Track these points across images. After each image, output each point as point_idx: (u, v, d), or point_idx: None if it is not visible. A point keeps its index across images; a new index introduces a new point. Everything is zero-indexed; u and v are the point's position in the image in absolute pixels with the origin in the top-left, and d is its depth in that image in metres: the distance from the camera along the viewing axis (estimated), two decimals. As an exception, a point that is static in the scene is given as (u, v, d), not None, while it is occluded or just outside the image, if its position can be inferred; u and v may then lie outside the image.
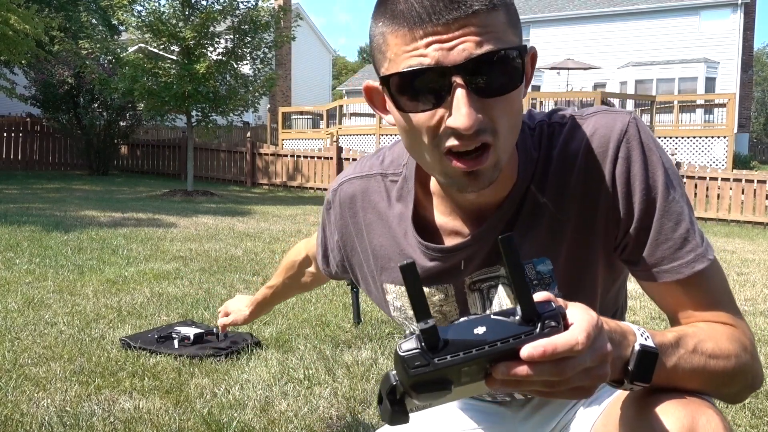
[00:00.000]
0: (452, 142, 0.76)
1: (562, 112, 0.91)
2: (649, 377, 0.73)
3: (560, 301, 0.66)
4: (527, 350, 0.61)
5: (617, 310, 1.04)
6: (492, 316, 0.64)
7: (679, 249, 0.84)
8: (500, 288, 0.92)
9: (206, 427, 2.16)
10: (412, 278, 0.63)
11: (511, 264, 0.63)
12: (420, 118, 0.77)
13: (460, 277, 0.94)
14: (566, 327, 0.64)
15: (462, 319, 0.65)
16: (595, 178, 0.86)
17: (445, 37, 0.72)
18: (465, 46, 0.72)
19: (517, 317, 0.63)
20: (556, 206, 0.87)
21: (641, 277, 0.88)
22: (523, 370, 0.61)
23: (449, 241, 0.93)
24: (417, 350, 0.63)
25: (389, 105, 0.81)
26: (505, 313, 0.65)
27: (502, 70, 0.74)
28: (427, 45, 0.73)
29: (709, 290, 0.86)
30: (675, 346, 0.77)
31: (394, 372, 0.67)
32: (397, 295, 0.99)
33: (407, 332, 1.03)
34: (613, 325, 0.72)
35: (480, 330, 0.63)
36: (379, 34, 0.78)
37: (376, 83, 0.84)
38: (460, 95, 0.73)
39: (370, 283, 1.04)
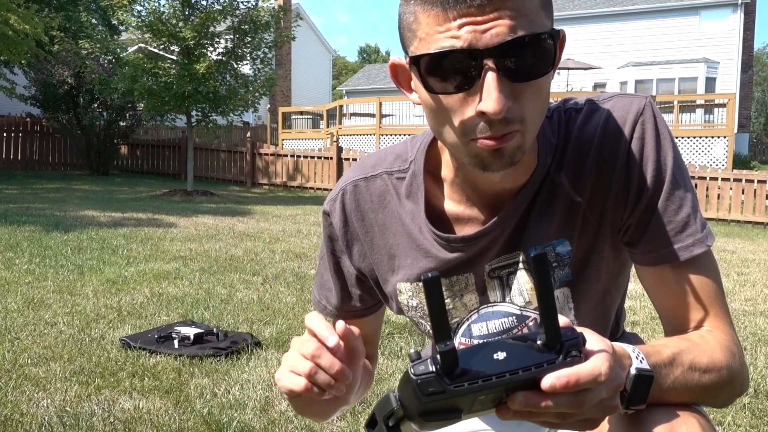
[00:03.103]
0: (481, 132, 0.75)
1: (576, 99, 0.92)
2: (644, 400, 0.71)
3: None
4: (549, 380, 0.58)
5: (622, 296, 1.04)
6: (510, 341, 0.61)
7: (680, 232, 0.84)
8: (519, 273, 0.92)
9: (206, 427, 2.16)
10: (435, 293, 0.58)
11: (541, 284, 0.59)
12: (449, 100, 0.76)
13: (480, 264, 0.93)
14: (585, 356, 0.60)
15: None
16: (610, 159, 0.86)
17: (479, 19, 0.71)
18: (498, 30, 0.71)
19: (539, 342, 0.60)
20: (573, 189, 0.88)
21: (639, 260, 0.88)
22: (542, 401, 0.59)
23: (465, 230, 0.92)
24: (432, 374, 0.57)
25: (415, 84, 0.81)
26: (524, 338, 0.61)
27: (534, 55, 0.74)
28: (460, 26, 0.72)
29: (703, 284, 0.86)
30: (670, 365, 0.76)
31: (396, 394, 0.61)
32: (413, 292, 0.97)
33: (423, 329, 1.00)
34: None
35: (500, 356, 0.58)
36: (410, 12, 0.77)
37: (402, 60, 0.84)
38: (491, 79, 0.72)
39: (382, 287, 1.01)
